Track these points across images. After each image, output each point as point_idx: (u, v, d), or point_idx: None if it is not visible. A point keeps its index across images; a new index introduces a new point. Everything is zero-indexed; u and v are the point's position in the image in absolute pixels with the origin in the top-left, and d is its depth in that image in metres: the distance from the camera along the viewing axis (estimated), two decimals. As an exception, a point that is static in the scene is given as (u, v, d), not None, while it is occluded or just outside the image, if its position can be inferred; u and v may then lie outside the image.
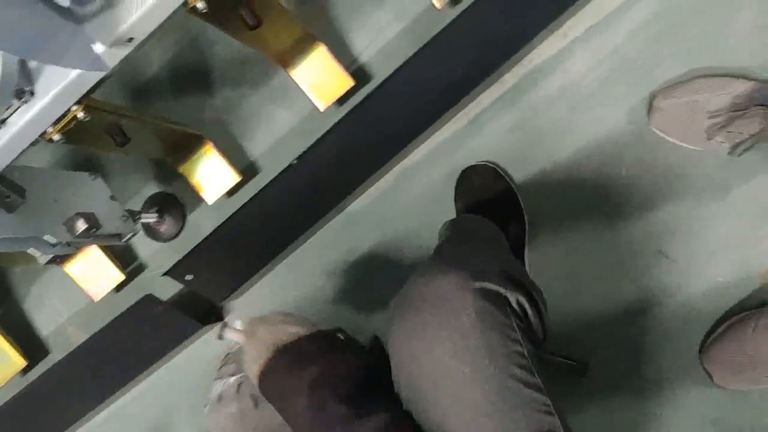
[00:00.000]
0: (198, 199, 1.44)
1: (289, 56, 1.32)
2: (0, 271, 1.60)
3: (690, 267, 1.22)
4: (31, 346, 1.57)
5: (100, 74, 0.85)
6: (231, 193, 1.44)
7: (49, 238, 1.04)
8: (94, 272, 1.44)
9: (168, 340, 1.37)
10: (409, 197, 1.37)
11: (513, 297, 0.75)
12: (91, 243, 1.21)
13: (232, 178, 1.38)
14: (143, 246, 1.52)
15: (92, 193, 1.25)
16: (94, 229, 1.11)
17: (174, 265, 1.26)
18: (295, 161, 1.20)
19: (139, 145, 1.17)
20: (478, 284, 0.73)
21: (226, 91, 1.46)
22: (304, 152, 1.22)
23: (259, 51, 1.30)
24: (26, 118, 0.85)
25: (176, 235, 1.48)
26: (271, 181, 1.24)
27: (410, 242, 1.37)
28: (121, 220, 1.25)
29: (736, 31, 1.19)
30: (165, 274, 1.29)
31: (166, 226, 1.48)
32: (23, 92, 0.84)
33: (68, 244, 1.11)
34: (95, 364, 1.35)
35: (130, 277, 1.50)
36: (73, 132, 1.01)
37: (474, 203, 1.27)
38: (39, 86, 0.85)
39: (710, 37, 1.20)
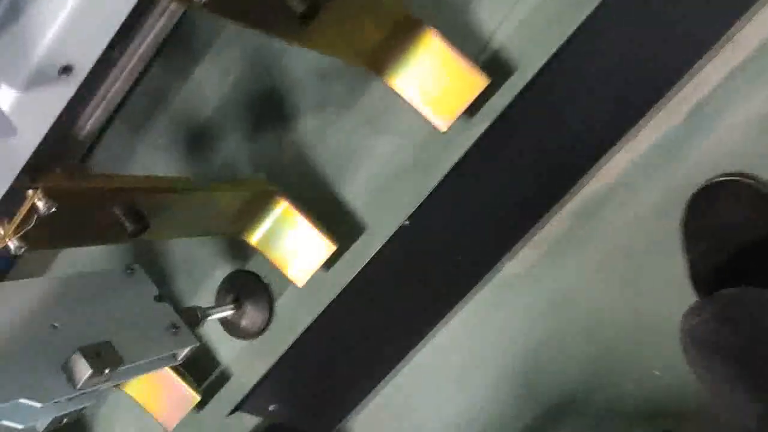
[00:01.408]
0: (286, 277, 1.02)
1: (384, 56, 0.87)
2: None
3: None
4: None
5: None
6: (328, 264, 1.00)
7: (28, 402, 0.65)
8: (160, 393, 1.06)
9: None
10: (597, 247, 0.86)
11: None
12: (129, 378, 0.82)
13: (325, 247, 0.94)
14: (224, 345, 1.12)
15: (126, 298, 0.86)
16: (110, 369, 0.71)
17: (245, 398, 0.84)
18: (407, 222, 0.73)
19: (167, 227, 0.77)
20: None
21: (306, 120, 1.03)
22: (423, 203, 0.75)
23: (334, 55, 0.86)
24: None
25: (263, 330, 1.06)
26: (376, 254, 0.79)
27: (605, 322, 0.85)
28: (170, 333, 0.85)
29: None
30: (232, 412, 0.87)
31: (249, 319, 1.06)
32: None
33: (81, 395, 0.72)
34: None
35: (213, 389, 1.11)
36: (39, 232, 0.62)
37: (726, 254, 0.73)
38: None
39: None
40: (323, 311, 0.90)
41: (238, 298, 1.06)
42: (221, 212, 0.87)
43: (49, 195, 0.59)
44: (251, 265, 1.09)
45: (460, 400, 0.96)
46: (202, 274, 1.13)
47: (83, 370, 0.69)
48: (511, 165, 0.82)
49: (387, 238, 0.90)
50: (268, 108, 1.06)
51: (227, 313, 1.04)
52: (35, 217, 0.60)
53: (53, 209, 0.59)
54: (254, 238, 0.95)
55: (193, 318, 0.93)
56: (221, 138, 1.09)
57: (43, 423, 0.71)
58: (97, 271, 0.85)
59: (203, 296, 1.12)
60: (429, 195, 0.79)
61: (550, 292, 0.88)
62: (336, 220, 0.99)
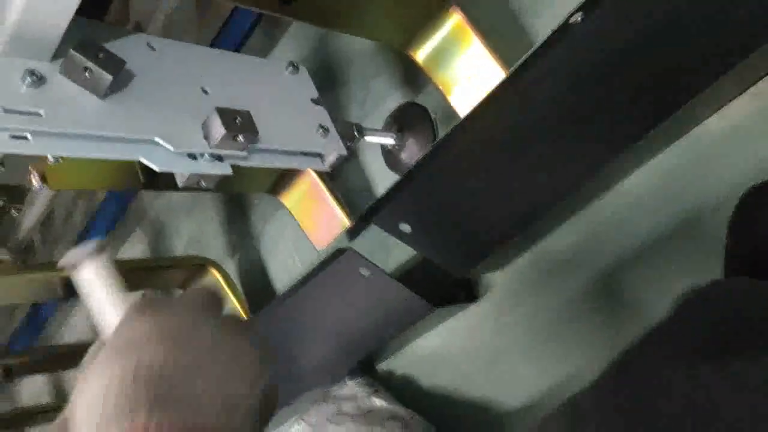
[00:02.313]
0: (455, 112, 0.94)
1: None
2: (239, 201, 1.36)
3: None
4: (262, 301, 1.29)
5: None
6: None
7: (162, 141, 0.66)
8: (315, 212, 1.07)
9: (386, 320, 0.92)
10: None
11: None
12: (268, 162, 0.81)
13: (497, 74, 0.84)
14: (382, 179, 1.09)
15: (283, 89, 0.85)
16: (246, 137, 0.70)
17: (375, 204, 0.79)
18: (580, 16, 0.59)
19: (318, 5, 0.72)
20: None
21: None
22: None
23: None
24: None
25: (422, 167, 1.00)
26: (540, 48, 0.66)
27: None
28: (318, 134, 0.83)
29: None
30: (361, 219, 0.83)
31: (409, 153, 1.01)
32: None
33: (218, 158, 0.73)
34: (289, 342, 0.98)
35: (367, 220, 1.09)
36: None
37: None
38: None
39: None
40: (475, 126, 0.79)
41: (402, 130, 1.01)
42: (382, 7, 0.80)
43: None
44: (422, 98, 1.03)
45: (628, 274, 0.82)
46: (374, 103, 1.09)
47: (218, 129, 0.69)
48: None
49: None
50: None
51: (386, 140, 1.00)
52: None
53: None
54: (421, 54, 0.87)
55: (349, 130, 0.90)
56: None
57: (181, 177, 0.73)
58: (249, 57, 0.85)
59: (372, 123, 1.09)
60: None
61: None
62: (517, 46, 0.88)
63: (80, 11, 0.62)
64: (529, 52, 0.64)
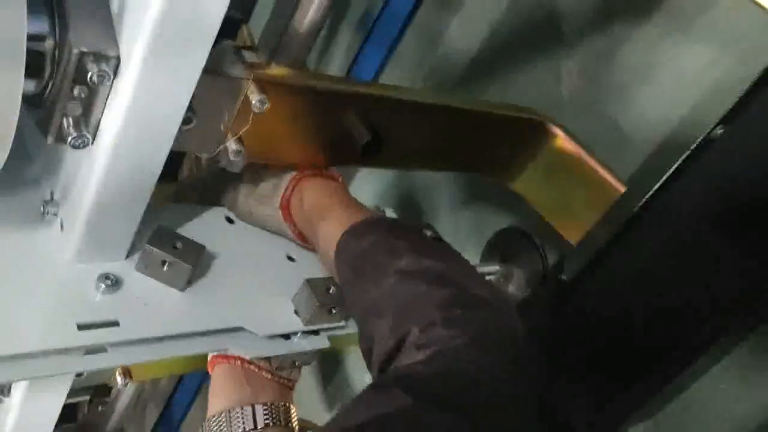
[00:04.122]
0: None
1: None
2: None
3: None
4: None
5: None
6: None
7: (250, 327, 0.58)
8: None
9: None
10: None
11: None
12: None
13: (612, 194, 0.73)
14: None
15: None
16: (340, 308, 0.62)
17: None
18: (720, 130, 0.49)
19: (407, 149, 0.64)
20: None
21: (590, 41, 0.83)
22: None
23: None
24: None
25: (533, 299, 0.89)
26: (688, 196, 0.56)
27: None
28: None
29: None
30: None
31: (516, 285, 0.90)
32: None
33: (313, 332, 0.64)
34: None
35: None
36: (258, 135, 0.55)
37: None
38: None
39: None
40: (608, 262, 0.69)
41: (505, 259, 0.91)
42: (472, 140, 0.72)
43: (262, 88, 0.52)
44: (520, 222, 0.93)
45: None
46: (468, 232, 1.00)
47: (311, 304, 0.61)
48: None
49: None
50: (545, 33, 0.89)
51: (489, 274, 0.90)
52: (251, 114, 0.53)
53: (266, 105, 0.52)
54: (518, 181, 0.78)
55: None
56: (493, 74, 0.95)
57: (275, 360, 0.64)
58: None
59: (469, 257, 0.99)
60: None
61: None
62: (626, 161, 0.78)
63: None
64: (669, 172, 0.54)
